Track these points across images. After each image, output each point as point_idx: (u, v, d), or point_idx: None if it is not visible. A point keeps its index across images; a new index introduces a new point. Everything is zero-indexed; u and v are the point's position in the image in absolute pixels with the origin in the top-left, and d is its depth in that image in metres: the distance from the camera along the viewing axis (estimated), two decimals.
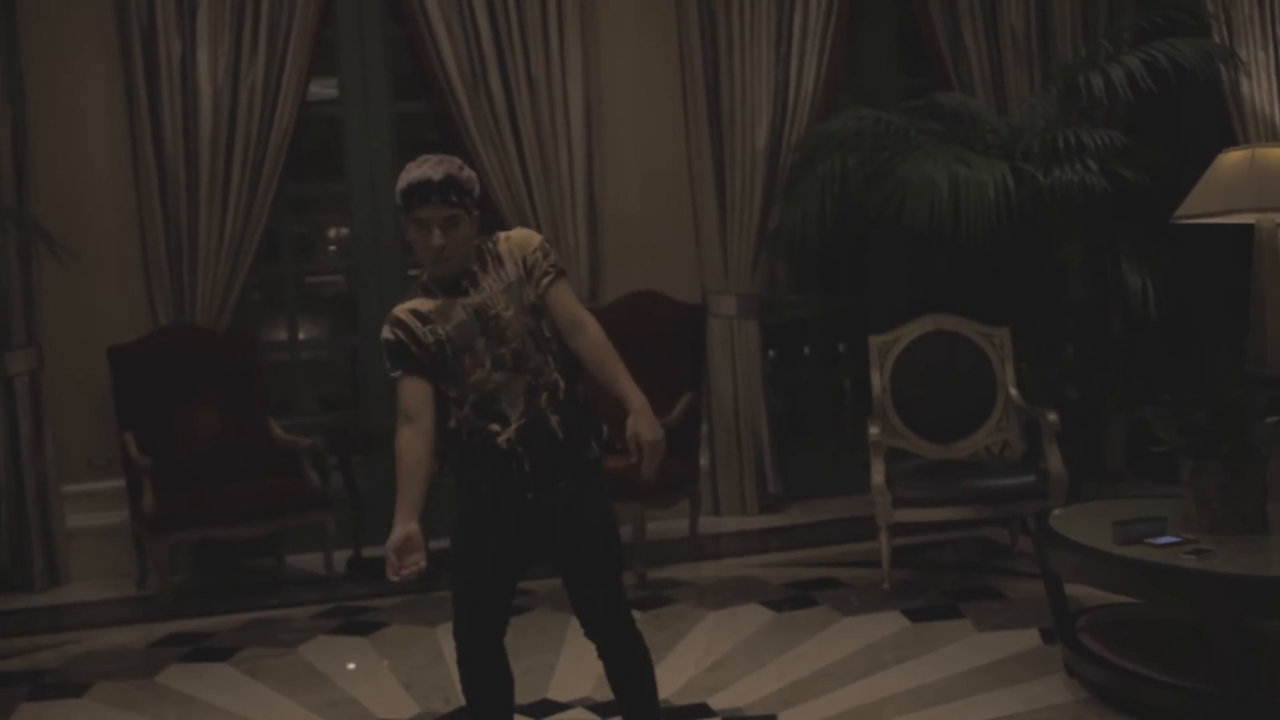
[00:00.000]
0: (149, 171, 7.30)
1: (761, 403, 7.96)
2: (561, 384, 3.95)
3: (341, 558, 7.30)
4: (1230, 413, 4.80)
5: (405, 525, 3.75)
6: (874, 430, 6.43)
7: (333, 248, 8.77)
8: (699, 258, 7.97)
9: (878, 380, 6.77)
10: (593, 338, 3.93)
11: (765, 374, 8.02)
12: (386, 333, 3.96)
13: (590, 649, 5.76)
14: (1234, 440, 4.77)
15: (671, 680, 5.39)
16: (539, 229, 7.62)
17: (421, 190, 3.84)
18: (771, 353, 8.32)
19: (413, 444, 3.86)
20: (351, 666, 5.86)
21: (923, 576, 6.60)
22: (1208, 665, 4.53)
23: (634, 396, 3.85)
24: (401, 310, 3.99)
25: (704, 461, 7.75)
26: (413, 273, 8.31)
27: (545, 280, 3.95)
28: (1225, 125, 7.01)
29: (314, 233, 8.90)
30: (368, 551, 7.44)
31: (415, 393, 3.92)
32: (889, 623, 5.95)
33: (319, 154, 7.98)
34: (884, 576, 6.35)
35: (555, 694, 5.32)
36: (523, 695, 5.23)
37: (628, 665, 4.17)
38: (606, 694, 5.23)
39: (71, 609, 6.99)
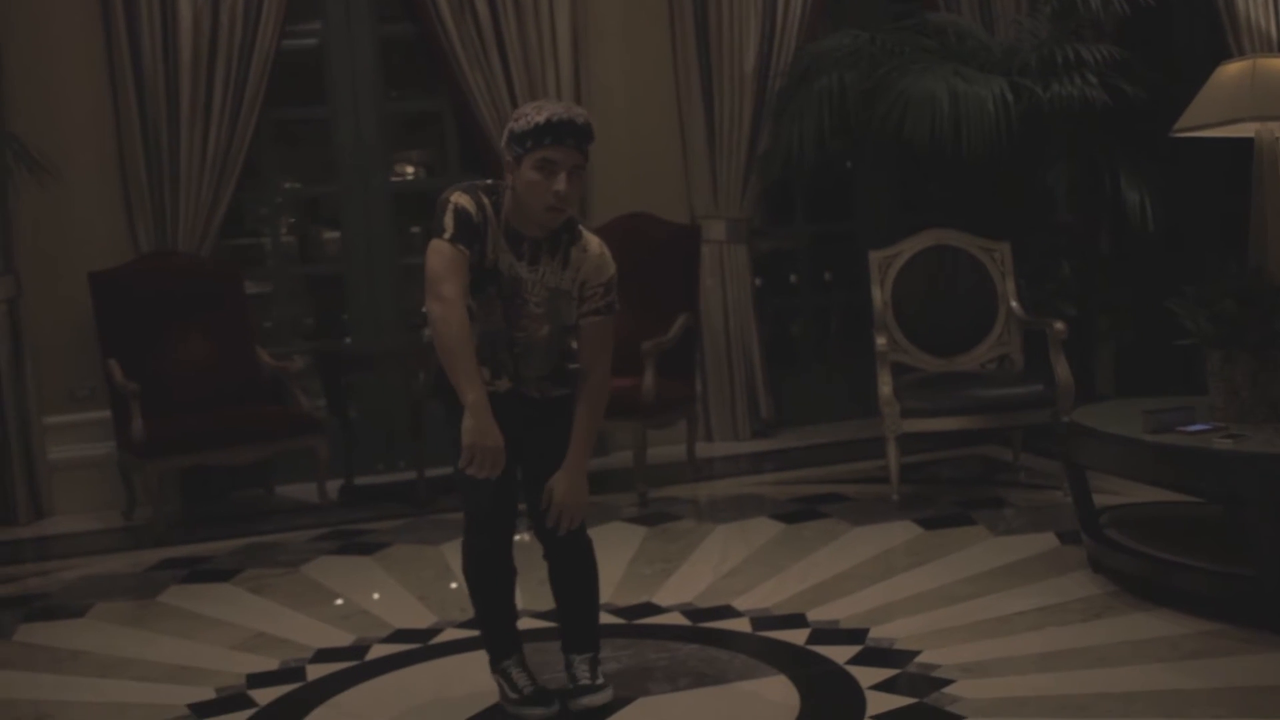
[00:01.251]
0: (128, 93, 7.12)
1: (753, 328, 7.90)
2: (557, 382, 3.99)
3: (333, 487, 7.16)
4: (1259, 301, 4.78)
5: (494, 426, 3.68)
6: (880, 341, 6.38)
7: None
8: (688, 182, 7.89)
9: (879, 295, 6.71)
10: (595, 384, 3.95)
11: (755, 300, 7.94)
12: (467, 202, 3.75)
13: (606, 561, 5.66)
14: (1263, 328, 4.75)
15: (692, 586, 5.34)
16: None
17: (560, 130, 3.70)
18: (758, 281, 8.24)
19: (466, 327, 3.73)
20: (341, 600, 5.74)
21: (929, 490, 6.58)
22: (1239, 551, 4.53)
23: (577, 456, 3.92)
24: (487, 203, 3.79)
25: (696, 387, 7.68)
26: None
27: (591, 317, 3.92)
28: (1218, 40, 6.98)
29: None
30: (361, 479, 7.33)
31: (465, 272, 3.75)
32: (902, 531, 5.91)
33: (301, 78, 7.83)
34: (893, 489, 6.30)
35: None
36: (541, 604, 5.18)
37: (579, 570, 4.12)
38: (626, 599, 5.22)
39: (59, 539, 6.83)
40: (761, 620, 4.90)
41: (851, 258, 8.32)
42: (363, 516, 6.76)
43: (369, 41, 7.63)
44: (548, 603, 4.30)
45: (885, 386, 6.26)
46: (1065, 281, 7.14)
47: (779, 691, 4.24)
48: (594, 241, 3.96)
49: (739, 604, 5.08)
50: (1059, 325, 6.25)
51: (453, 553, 6.01)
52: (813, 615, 4.90)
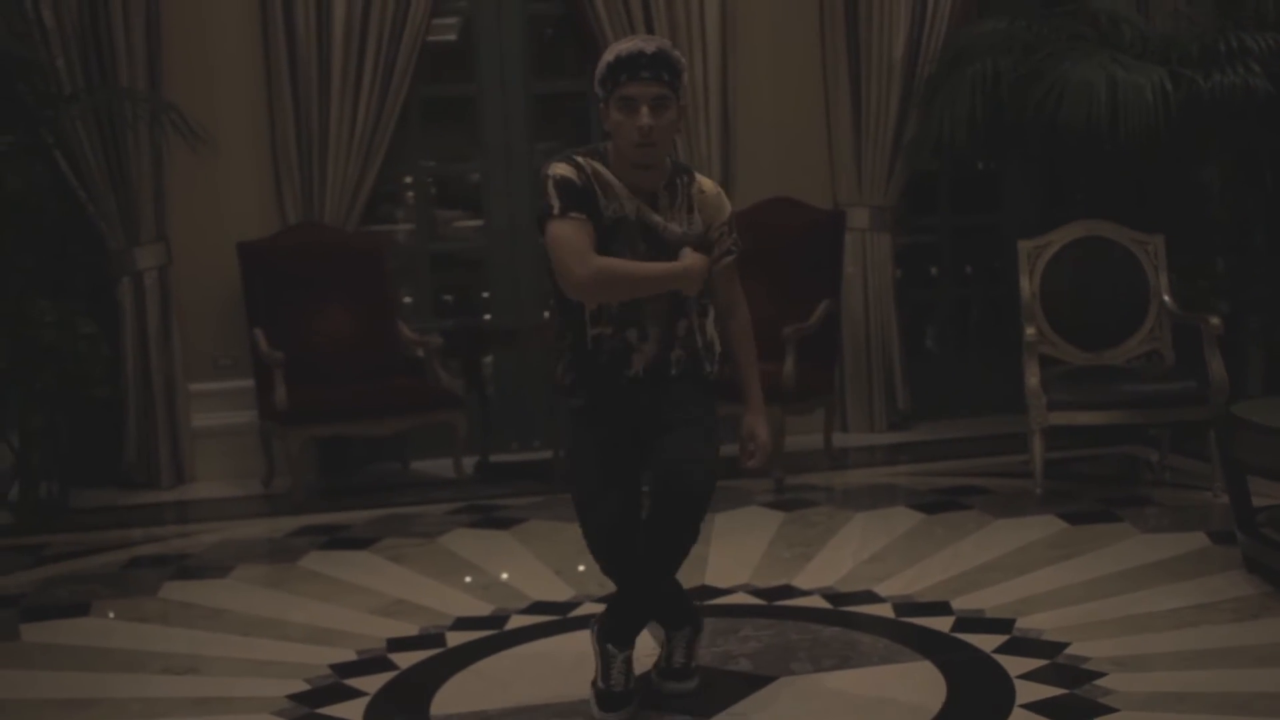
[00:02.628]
0: (280, 68, 7.20)
1: (893, 318, 7.77)
2: (705, 313, 3.91)
3: (469, 464, 7.18)
4: None
5: None
6: (1030, 331, 6.25)
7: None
8: (832, 169, 7.79)
9: (1027, 285, 6.57)
10: (741, 324, 3.97)
11: (896, 290, 7.83)
12: (567, 172, 3.71)
13: (743, 543, 5.73)
14: None
15: (832, 570, 5.29)
16: None
17: (632, 64, 3.65)
18: (898, 272, 8.13)
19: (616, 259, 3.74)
20: (478, 572, 5.75)
21: (1071, 486, 6.42)
22: None
23: (756, 394, 3.96)
24: (587, 163, 3.75)
25: None
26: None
27: (727, 259, 3.90)
28: None
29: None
30: (496, 457, 7.34)
31: (591, 234, 3.70)
32: (1045, 525, 5.79)
33: (450, 57, 7.88)
34: (1036, 482, 6.17)
35: (713, 581, 5.20)
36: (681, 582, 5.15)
37: (678, 531, 3.82)
38: (766, 580, 5.17)
39: (200, 504, 6.94)
40: (904, 606, 4.83)
41: (994, 251, 8.18)
42: (498, 492, 6.77)
43: (518, 21, 7.64)
44: None
45: (1033, 378, 6.13)
46: (1220, 278, 6.94)
47: (925, 676, 4.17)
48: (708, 182, 3.91)
49: (881, 590, 5.01)
50: (1215, 320, 6.06)
51: None
52: (957, 604, 4.82)
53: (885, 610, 4.80)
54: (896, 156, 7.70)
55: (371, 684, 4.31)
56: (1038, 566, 5.23)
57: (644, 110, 3.65)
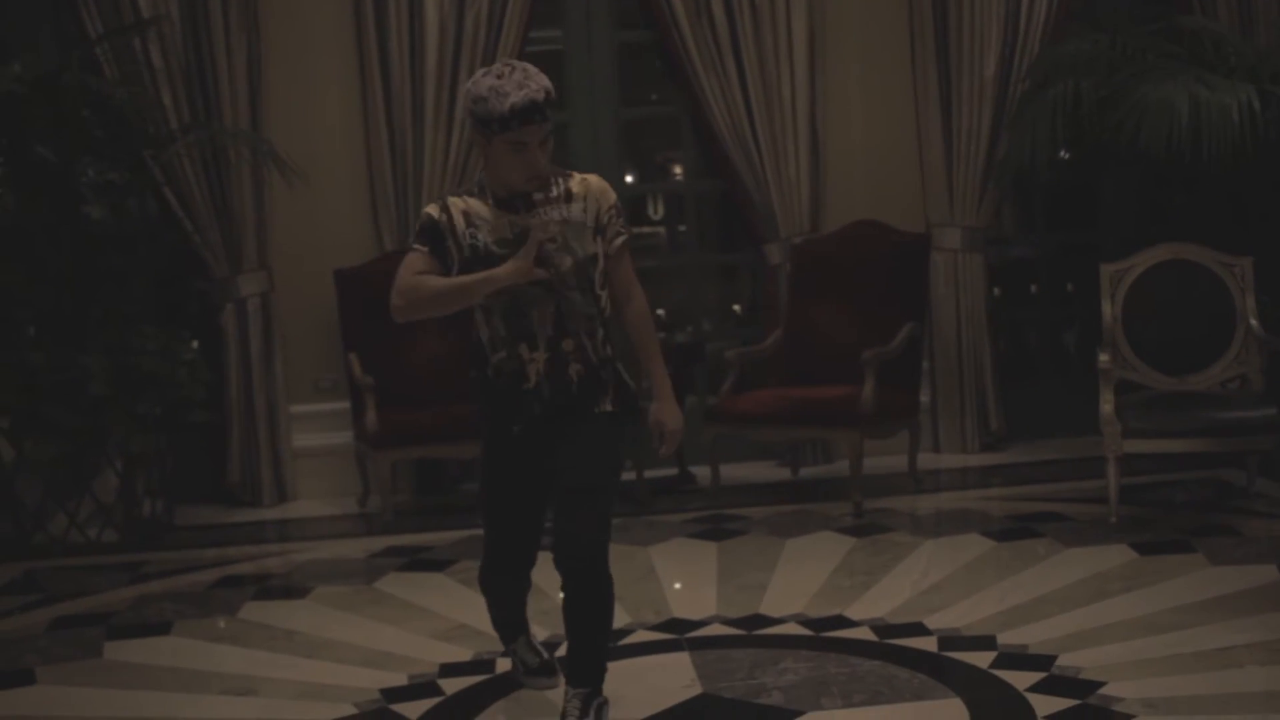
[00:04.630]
0: (376, 99, 7.42)
1: (985, 339, 7.73)
2: (593, 333, 3.93)
3: None
4: None
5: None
6: (1104, 358, 6.19)
7: None
8: (923, 189, 7.77)
9: (1108, 309, 6.51)
10: (638, 310, 4.03)
11: (989, 310, 7.78)
12: (435, 212, 3.94)
13: (807, 570, 5.78)
14: None
15: (886, 601, 5.30)
16: (760, 157, 7.55)
17: (528, 112, 3.74)
18: (996, 291, 8.07)
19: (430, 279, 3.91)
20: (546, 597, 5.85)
21: (1152, 513, 6.33)
22: None
23: (662, 382, 4.01)
24: (455, 203, 3.94)
25: (925, 398, 7.55)
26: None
27: (618, 240, 3.98)
28: None
29: None
30: None
31: (427, 265, 3.92)
32: (1115, 554, 5.72)
33: None
34: (1111, 511, 6.10)
35: (767, 610, 5.26)
36: (735, 611, 5.26)
37: (592, 603, 3.98)
38: (820, 610, 5.21)
39: (297, 523, 7.19)
40: (949, 640, 4.83)
41: (1095, 269, 8.06)
42: None
43: (607, 47, 7.77)
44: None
45: (1107, 405, 6.07)
46: None
47: (951, 715, 4.18)
48: (591, 176, 4.03)
49: (930, 622, 5.02)
50: None
51: (657, 554, 6.11)
52: (1003, 638, 4.80)
53: (930, 644, 4.81)
54: (989, 176, 7.65)
55: (416, 709, 4.46)
56: (1096, 599, 5.18)
57: (536, 152, 3.81)
